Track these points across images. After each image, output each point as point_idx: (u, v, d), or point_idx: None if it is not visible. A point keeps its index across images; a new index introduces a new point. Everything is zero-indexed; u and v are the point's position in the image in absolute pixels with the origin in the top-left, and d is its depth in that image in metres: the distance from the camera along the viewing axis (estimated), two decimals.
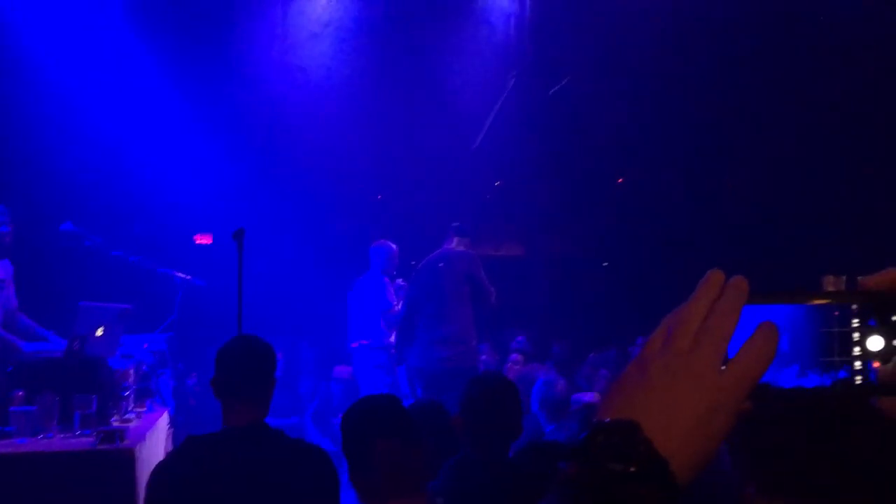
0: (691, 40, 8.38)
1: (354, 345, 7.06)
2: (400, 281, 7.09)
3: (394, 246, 7.11)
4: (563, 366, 7.80)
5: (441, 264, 6.07)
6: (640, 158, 10.55)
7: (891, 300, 0.75)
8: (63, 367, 4.35)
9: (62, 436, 3.94)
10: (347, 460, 2.35)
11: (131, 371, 5.09)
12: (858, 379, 0.74)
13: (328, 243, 10.57)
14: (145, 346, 5.87)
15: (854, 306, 0.76)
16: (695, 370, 0.71)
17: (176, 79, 8.30)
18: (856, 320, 0.75)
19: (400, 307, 6.67)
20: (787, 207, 11.26)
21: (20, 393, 4.01)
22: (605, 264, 12.52)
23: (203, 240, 10.65)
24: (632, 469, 0.65)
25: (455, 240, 6.21)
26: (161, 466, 2.79)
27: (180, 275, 6.08)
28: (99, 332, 4.64)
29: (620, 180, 11.79)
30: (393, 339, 6.84)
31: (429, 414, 3.58)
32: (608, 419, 0.69)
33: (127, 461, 3.69)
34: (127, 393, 4.87)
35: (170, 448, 4.96)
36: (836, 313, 0.76)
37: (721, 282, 0.76)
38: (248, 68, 8.59)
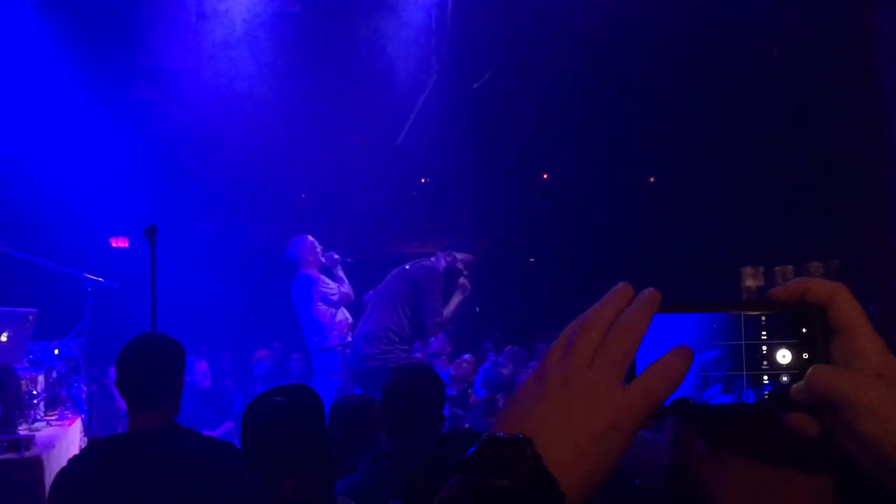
0: (612, 33, 8.48)
1: (316, 348, 6.84)
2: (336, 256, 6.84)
3: (309, 237, 6.87)
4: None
5: (408, 267, 5.97)
6: (565, 153, 10.66)
7: (800, 312, 0.72)
8: None
9: None
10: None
11: (40, 378, 4.87)
12: (766, 394, 0.72)
13: (254, 244, 10.38)
14: (56, 352, 5.63)
15: (763, 318, 0.73)
16: (593, 386, 0.67)
17: (86, 80, 8.01)
18: (764, 333, 0.73)
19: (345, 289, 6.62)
20: (707, 198, 11.53)
21: None
22: (532, 260, 12.63)
23: (119, 243, 10.34)
24: (517, 486, 0.61)
25: (438, 253, 6.08)
26: (63, 472, 2.64)
27: (91, 277, 5.83)
28: (3, 338, 4.42)
29: (546, 176, 11.91)
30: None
31: (355, 409, 3.50)
32: (501, 433, 0.65)
33: (34, 470, 3.53)
34: (36, 400, 4.66)
35: None
36: (744, 326, 0.73)
37: (629, 295, 0.72)
38: (163, 68, 8.35)
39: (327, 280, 6.74)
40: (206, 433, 2.92)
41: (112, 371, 7.08)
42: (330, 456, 2.24)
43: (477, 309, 8.09)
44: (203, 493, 2.53)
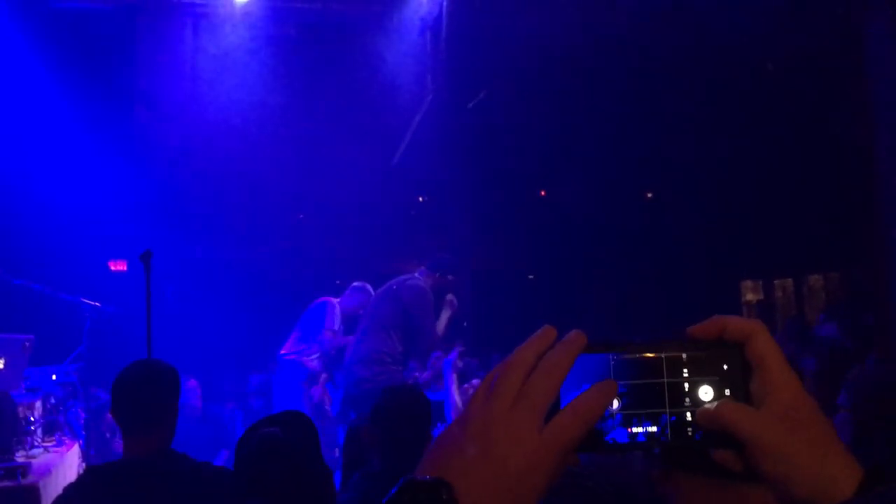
0: (606, 51, 8.52)
1: (285, 353, 6.91)
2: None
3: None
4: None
5: (394, 287, 5.95)
6: (563, 170, 10.69)
7: (720, 350, 0.73)
8: None
9: None
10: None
11: (38, 404, 4.86)
12: (689, 431, 0.72)
13: (253, 266, 10.39)
14: (53, 377, 5.62)
15: (684, 356, 0.74)
16: (513, 428, 0.67)
17: (82, 105, 8.04)
18: (686, 370, 0.73)
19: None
20: (705, 213, 11.54)
21: None
22: (531, 277, 12.63)
23: (118, 266, 10.34)
24: None
25: (422, 269, 6.02)
26: (60, 499, 2.63)
27: (88, 302, 5.83)
28: (0, 364, 4.41)
29: (543, 193, 11.92)
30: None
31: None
32: (420, 476, 0.66)
33: (31, 497, 3.51)
34: (33, 427, 4.64)
35: None
36: (666, 363, 0.74)
37: (552, 337, 0.72)
38: (159, 93, 8.38)
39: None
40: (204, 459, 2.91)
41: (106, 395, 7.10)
42: (324, 482, 2.24)
43: (465, 324, 8.07)
44: None
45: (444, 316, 6.02)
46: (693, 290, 11.91)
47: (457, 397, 5.48)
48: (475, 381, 6.84)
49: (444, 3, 8.30)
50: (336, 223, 10.13)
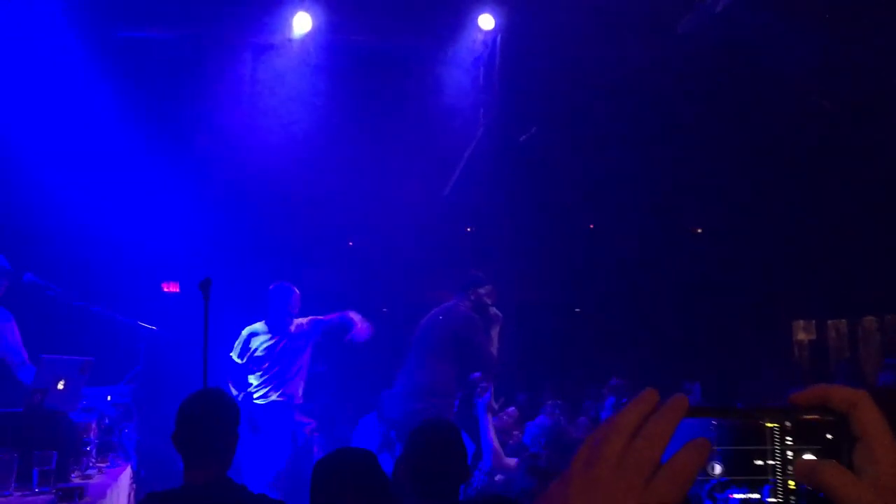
0: (659, 86, 8.51)
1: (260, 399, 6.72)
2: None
3: (295, 290, 6.91)
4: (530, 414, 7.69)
5: (440, 316, 5.97)
6: (611, 204, 10.66)
7: (823, 419, 0.73)
8: (23, 421, 4.21)
9: (20, 493, 3.79)
10: None
11: (93, 425, 4.95)
12: (792, 499, 0.73)
13: (303, 292, 10.50)
14: (108, 398, 5.74)
15: (788, 424, 0.74)
16: (616, 493, 0.68)
17: (140, 127, 8.25)
18: (788, 438, 0.74)
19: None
20: (756, 251, 11.39)
21: None
22: (577, 310, 12.56)
23: (171, 288, 10.55)
24: None
25: (458, 295, 6.03)
26: None
27: (144, 325, 5.96)
28: (60, 386, 4.52)
29: (592, 226, 11.89)
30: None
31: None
32: None
33: None
34: (88, 448, 4.73)
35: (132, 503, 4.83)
36: (769, 431, 0.74)
37: (654, 401, 0.73)
38: (217, 118, 8.58)
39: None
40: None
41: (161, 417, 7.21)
42: None
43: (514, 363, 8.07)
44: None
45: (494, 333, 5.99)
46: (744, 329, 11.74)
47: (494, 439, 5.46)
48: (510, 409, 6.80)
49: (498, 39, 8.38)
50: (384, 251, 10.22)
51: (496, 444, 5.54)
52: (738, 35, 6.68)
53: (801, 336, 13.62)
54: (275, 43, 8.51)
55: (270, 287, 6.87)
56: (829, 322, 13.16)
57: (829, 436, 0.72)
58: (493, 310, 6.06)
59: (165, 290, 10.62)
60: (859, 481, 0.69)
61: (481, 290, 6.02)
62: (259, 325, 6.79)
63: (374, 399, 7.81)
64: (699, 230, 12.48)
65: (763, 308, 11.89)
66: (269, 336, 6.70)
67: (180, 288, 10.42)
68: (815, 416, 0.73)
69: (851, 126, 9.22)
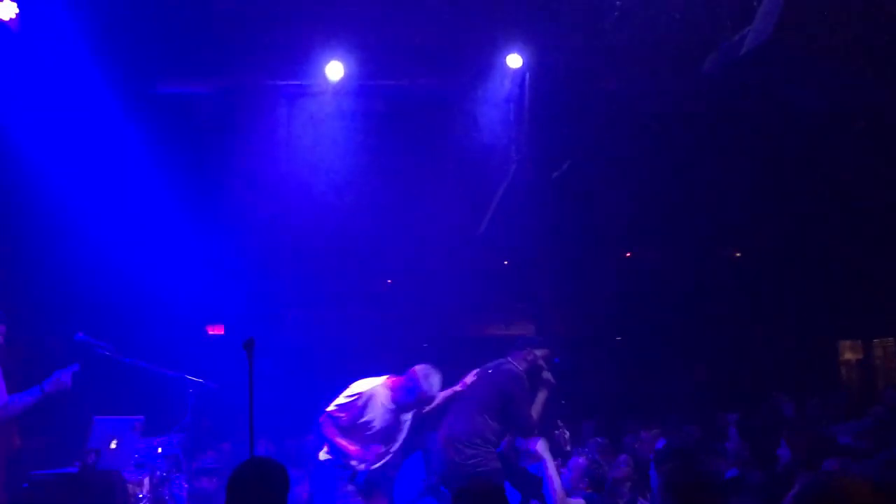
0: (690, 114, 8.52)
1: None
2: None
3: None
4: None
5: (490, 371, 6.02)
6: (648, 231, 10.64)
7: None
8: (78, 483, 4.36)
9: None
10: None
11: (146, 480, 5.09)
12: None
13: (344, 332, 10.64)
14: (159, 450, 5.85)
15: None
16: None
17: (179, 179, 8.46)
18: None
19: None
20: (800, 270, 11.28)
21: None
22: (618, 338, 12.51)
23: (215, 330, 10.76)
24: None
25: (513, 353, 6.03)
26: None
27: (192, 378, 6.10)
28: (113, 445, 4.67)
29: (629, 255, 11.87)
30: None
31: None
32: None
33: None
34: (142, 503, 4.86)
35: None
36: None
37: None
38: (254, 165, 8.78)
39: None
40: None
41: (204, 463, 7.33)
42: None
43: (563, 402, 8.05)
44: None
45: (541, 396, 6.03)
46: (789, 350, 11.59)
47: (555, 477, 5.45)
48: (580, 460, 6.66)
49: (527, 77, 8.47)
50: (423, 289, 10.32)
51: (558, 485, 5.52)
52: (764, 74, 6.70)
53: (849, 355, 13.41)
54: (309, 90, 8.69)
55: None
56: (875, 341, 12.94)
57: None
58: (547, 374, 6.09)
59: (210, 332, 10.84)
60: None
61: (538, 353, 6.07)
62: None
63: (417, 438, 7.87)
64: (738, 253, 12.39)
65: (808, 328, 11.75)
66: None
67: (224, 330, 10.64)
68: None
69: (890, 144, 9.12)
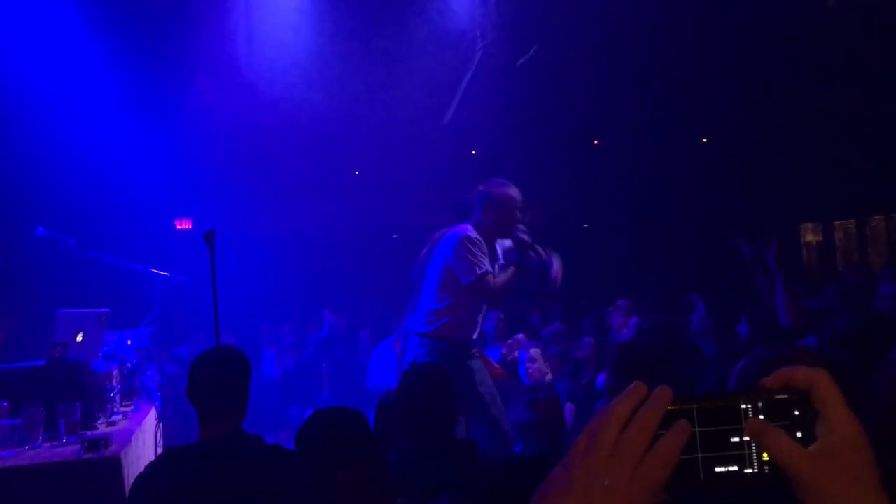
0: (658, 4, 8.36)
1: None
2: None
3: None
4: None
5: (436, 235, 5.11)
6: (613, 120, 10.59)
7: (790, 397, 0.83)
8: (46, 375, 4.39)
9: (49, 445, 3.98)
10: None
11: (115, 371, 5.13)
12: (766, 469, 0.82)
13: (312, 223, 10.63)
14: (129, 342, 5.92)
15: (761, 404, 0.84)
16: (609, 482, 0.78)
17: (142, 72, 8.24)
18: (762, 416, 0.83)
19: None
20: (763, 153, 11.33)
21: (5, 404, 4.05)
22: (585, 226, 12.62)
23: (184, 225, 10.72)
24: None
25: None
26: (140, 479, 2.87)
27: (157, 272, 6.11)
28: (79, 338, 4.69)
29: (596, 142, 11.84)
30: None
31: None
32: None
33: (113, 469, 3.71)
34: (112, 394, 4.92)
35: (160, 444, 5.04)
36: (745, 412, 0.84)
37: (643, 394, 0.83)
38: (216, 53, 8.55)
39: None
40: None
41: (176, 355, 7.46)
42: (379, 455, 2.48)
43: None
44: (270, 499, 2.75)
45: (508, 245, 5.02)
46: (751, 233, 11.75)
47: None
48: (519, 336, 6.82)
49: None
50: (390, 179, 10.27)
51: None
52: None
53: (809, 238, 13.67)
54: None
55: None
56: (837, 223, 13.17)
57: (796, 412, 0.83)
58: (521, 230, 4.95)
59: (178, 227, 10.80)
60: (805, 452, 0.80)
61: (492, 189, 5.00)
62: None
63: (388, 325, 8.02)
64: (703, 139, 12.40)
65: (770, 211, 11.90)
66: None
67: (192, 224, 10.60)
68: (784, 396, 0.83)
69: (858, 24, 9.05)
